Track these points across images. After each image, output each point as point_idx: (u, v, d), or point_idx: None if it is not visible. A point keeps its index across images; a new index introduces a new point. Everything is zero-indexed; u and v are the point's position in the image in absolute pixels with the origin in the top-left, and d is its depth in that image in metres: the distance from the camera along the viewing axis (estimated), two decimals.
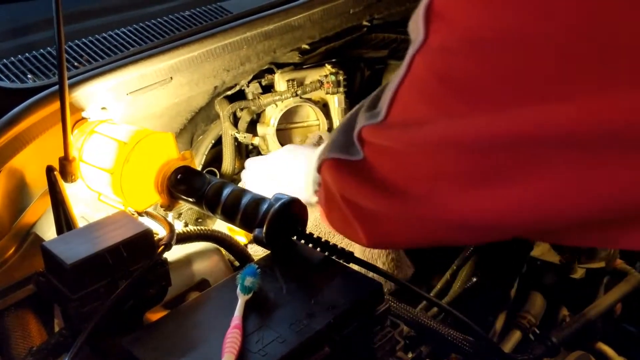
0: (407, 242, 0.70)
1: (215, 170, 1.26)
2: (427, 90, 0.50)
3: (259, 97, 1.25)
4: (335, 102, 1.32)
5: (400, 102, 0.54)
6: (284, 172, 0.91)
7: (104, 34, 1.13)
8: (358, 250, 0.99)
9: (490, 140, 0.47)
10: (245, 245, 0.99)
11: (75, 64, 1.06)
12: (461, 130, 0.48)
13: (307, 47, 1.28)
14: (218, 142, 1.28)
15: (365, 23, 1.37)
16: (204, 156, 1.25)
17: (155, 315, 0.76)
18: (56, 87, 0.90)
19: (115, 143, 0.88)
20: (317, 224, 1.00)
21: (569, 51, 0.41)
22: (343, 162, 0.64)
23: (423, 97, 0.51)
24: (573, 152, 0.44)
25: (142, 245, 0.71)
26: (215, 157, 1.29)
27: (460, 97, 0.47)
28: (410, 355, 0.76)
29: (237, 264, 0.96)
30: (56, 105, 0.87)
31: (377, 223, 0.64)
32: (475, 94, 0.46)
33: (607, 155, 0.43)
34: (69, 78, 0.93)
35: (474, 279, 1.00)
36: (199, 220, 1.19)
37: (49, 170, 0.85)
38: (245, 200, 0.80)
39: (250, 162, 1.03)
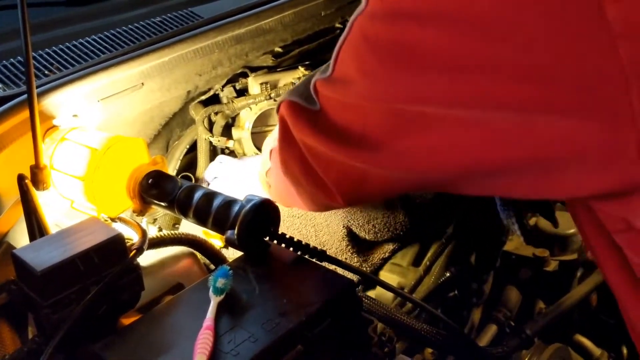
0: (357, 186, 0.73)
1: (191, 176, 1.26)
2: (357, 51, 0.58)
3: (233, 101, 1.26)
4: None
5: (340, 60, 0.62)
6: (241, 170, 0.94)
7: (74, 42, 1.13)
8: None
9: (399, 99, 0.56)
10: (221, 248, 1.00)
11: (46, 72, 1.05)
12: (377, 87, 0.57)
13: (279, 50, 1.29)
14: (194, 147, 1.28)
15: (337, 25, 1.38)
16: (179, 161, 1.25)
17: (129, 320, 0.76)
18: (26, 95, 0.90)
19: (87, 150, 0.88)
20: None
21: (455, 28, 0.49)
22: (302, 108, 0.70)
23: (354, 57, 0.59)
24: (455, 113, 0.53)
25: (114, 251, 0.71)
26: (190, 163, 1.29)
27: (378, 58, 0.56)
28: (385, 350, 0.77)
29: (212, 267, 0.96)
30: (26, 113, 0.87)
31: (329, 165, 0.70)
32: (389, 59, 0.55)
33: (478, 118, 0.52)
34: (40, 86, 0.93)
35: (447, 274, 1.01)
36: (176, 225, 1.19)
37: (20, 178, 0.85)
38: (216, 202, 0.80)
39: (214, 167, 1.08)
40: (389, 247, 1.06)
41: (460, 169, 0.58)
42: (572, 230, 1.14)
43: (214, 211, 0.80)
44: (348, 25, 0.59)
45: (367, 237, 1.05)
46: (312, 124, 0.69)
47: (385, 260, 1.06)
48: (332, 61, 0.63)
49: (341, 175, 0.70)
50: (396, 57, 0.54)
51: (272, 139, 0.85)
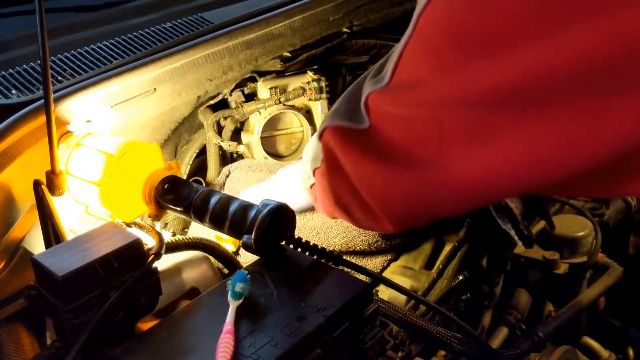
0: (421, 213, 0.68)
1: (201, 180, 1.27)
2: (430, 45, 0.52)
3: (242, 106, 1.27)
4: (319, 108, 1.33)
5: (404, 63, 0.55)
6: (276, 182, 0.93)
7: (87, 48, 1.14)
8: None
9: (487, 93, 0.49)
10: (234, 252, 1.00)
11: (59, 77, 1.06)
12: (459, 84, 0.50)
13: (288, 54, 1.30)
14: (202, 152, 1.29)
15: (345, 30, 1.39)
16: (189, 166, 1.26)
17: (146, 324, 0.77)
18: (41, 101, 0.91)
19: (102, 155, 0.89)
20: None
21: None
22: (348, 130, 0.64)
23: (425, 53, 0.53)
24: (560, 101, 0.46)
25: (132, 256, 0.72)
26: (199, 167, 1.30)
27: (459, 47, 0.49)
28: (400, 354, 0.77)
29: (226, 271, 0.97)
30: (41, 119, 0.88)
31: (387, 195, 0.63)
32: (471, 43, 0.48)
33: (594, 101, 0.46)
34: (54, 92, 0.94)
35: (460, 277, 1.02)
36: (185, 229, 1.20)
37: (36, 184, 0.86)
38: (233, 207, 0.81)
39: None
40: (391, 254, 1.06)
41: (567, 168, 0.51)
42: (581, 233, 1.14)
43: (230, 216, 0.80)
44: (411, 25, 0.53)
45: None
46: (359, 145, 0.62)
47: (389, 262, 1.06)
48: (390, 68, 0.57)
49: (402, 204, 0.63)
50: (480, 40, 0.48)
51: (312, 155, 0.78)
